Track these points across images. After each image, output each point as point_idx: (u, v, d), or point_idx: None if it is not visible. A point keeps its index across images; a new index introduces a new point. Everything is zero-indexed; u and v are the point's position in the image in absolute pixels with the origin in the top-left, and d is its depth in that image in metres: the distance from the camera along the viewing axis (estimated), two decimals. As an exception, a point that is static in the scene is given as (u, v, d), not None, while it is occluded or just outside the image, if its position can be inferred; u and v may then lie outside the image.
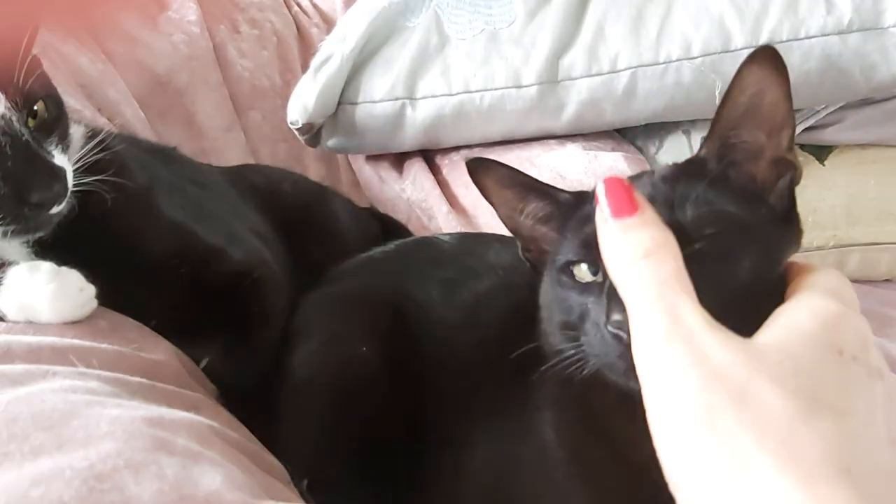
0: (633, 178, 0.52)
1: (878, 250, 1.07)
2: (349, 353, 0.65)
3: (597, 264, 0.47)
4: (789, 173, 0.48)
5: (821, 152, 1.09)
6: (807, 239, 1.09)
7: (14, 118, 0.57)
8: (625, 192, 0.41)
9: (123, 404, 0.49)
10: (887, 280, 1.11)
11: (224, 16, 1.26)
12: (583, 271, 0.48)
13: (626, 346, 0.41)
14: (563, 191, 0.54)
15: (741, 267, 0.43)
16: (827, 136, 1.08)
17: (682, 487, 0.34)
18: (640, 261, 0.38)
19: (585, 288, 0.47)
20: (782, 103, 0.46)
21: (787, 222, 0.48)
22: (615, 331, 0.42)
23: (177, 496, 0.41)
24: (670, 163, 0.53)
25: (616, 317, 0.42)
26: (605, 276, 0.46)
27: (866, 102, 1.05)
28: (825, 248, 1.06)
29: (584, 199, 0.52)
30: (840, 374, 0.35)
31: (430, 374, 0.64)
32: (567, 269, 0.49)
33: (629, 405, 0.46)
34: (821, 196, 1.07)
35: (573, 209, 0.52)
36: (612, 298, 0.43)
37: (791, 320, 0.38)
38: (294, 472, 0.59)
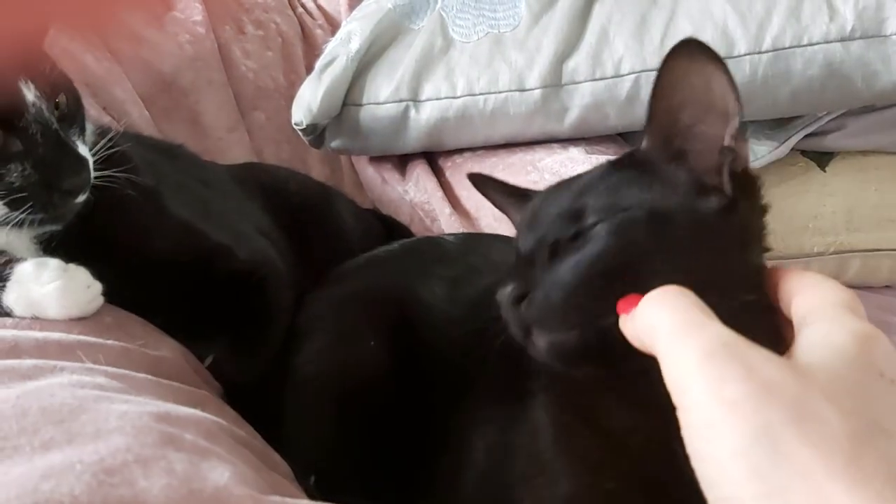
0: (578, 175, 0.53)
1: (878, 257, 1.08)
2: (355, 351, 0.66)
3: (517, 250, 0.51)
4: (729, 158, 0.48)
5: (822, 159, 1.10)
6: (807, 245, 1.10)
7: (44, 106, 0.59)
8: (637, 297, 0.42)
9: (131, 400, 0.49)
10: (887, 286, 1.12)
11: (229, 16, 1.26)
12: None
13: (511, 320, 0.47)
14: (535, 192, 0.58)
15: (666, 255, 0.44)
16: (828, 142, 1.09)
17: None
18: (655, 303, 0.39)
19: None
20: (730, 92, 0.46)
21: (734, 210, 0.47)
22: (498, 298, 0.47)
23: (186, 491, 0.41)
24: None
25: (500, 293, 0.47)
26: None
27: (868, 110, 1.06)
28: (826, 253, 1.07)
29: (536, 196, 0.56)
30: (886, 398, 0.35)
31: (434, 371, 0.64)
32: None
33: (614, 386, 0.48)
34: (822, 202, 1.08)
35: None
36: (509, 272, 0.47)
37: (830, 340, 0.37)
38: (300, 469, 0.59)
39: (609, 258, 0.44)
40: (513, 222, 0.61)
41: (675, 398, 0.36)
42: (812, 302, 0.41)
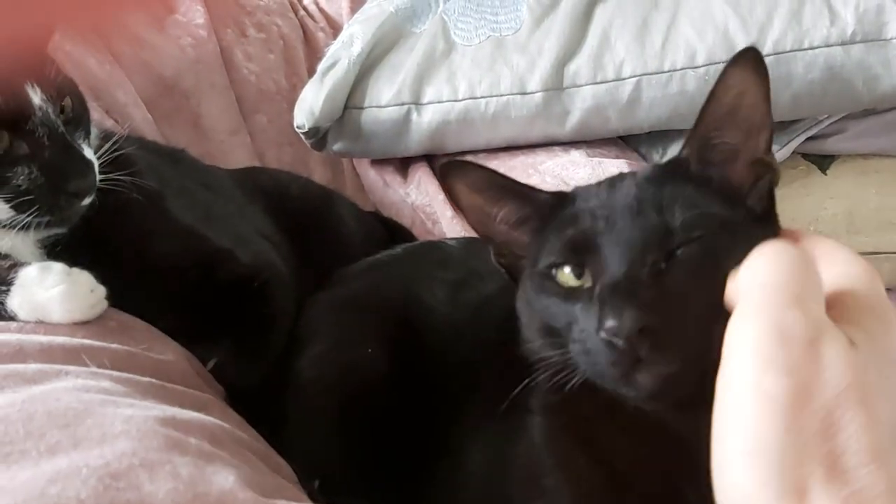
0: (617, 178, 0.52)
1: (878, 259, 1.08)
2: (357, 355, 0.66)
3: (581, 266, 0.46)
4: (768, 175, 0.48)
5: (823, 162, 1.10)
6: (808, 247, 1.10)
7: (50, 110, 0.59)
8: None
9: (136, 404, 0.50)
10: (888, 289, 1.12)
11: (231, 19, 1.26)
12: (566, 275, 0.47)
13: (619, 353, 0.41)
14: (541, 191, 0.53)
15: (727, 267, 0.43)
16: (829, 145, 1.09)
17: None
18: (768, 259, 0.36)
19: (570, 294, 0.46)
20: (761, 105, 0.46)
21: (765, 223, 0.48)
22: (610, 338, 0.41)
23: (191, 495, 0.41)
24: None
25: (610, 323, 0.41)
26: (594, 280, 0.45)
27: (868, 113, 1.06)
28: (827, 256, 1.07)
29: (565, 200, 0.51)
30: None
31: (434, 375, 0.65)
32: (549, 273, 0.48)
33: (615, 414, 0.47)
34: (822, 205, 1.08)
35: (555, 210, 0.51)
36: (606, 304, 0.42)
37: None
38: (303, 472, 0.59)
39: (713, 279, 0.42)
40: (471, 221, 0.56)
41: (723, 361, 0.35)
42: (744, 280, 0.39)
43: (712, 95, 0.47)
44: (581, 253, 0.47)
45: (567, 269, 0.47)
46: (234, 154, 1.17)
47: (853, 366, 0.33)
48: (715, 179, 0.48)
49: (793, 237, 0.43)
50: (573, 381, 0.45)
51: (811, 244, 0.41)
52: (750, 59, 0.46)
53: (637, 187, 0.48)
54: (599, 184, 0.52)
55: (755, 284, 0.35)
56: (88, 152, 0.62)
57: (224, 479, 0.44)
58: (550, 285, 0.48)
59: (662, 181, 0.48)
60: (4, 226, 0.60)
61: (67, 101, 0.62)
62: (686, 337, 0.38)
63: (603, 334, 0.41)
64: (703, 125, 0.48)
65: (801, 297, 0.34)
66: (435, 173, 1.15)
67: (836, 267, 0.38)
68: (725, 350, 0.35)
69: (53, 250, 0.63)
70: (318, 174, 1.24)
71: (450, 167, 0.54)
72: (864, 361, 0.33)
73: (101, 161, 0.63)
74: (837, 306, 0.36)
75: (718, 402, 0.34)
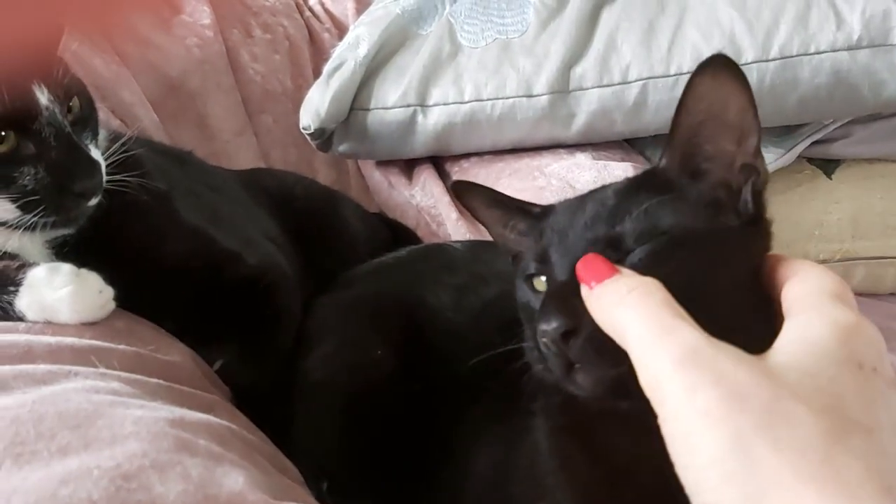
0: (592, 192, 0.52)
1: (883, 264, 1.08)
2: (364, 356, 0.66)
3: (544, 276, 0.49)
4: (753, 178, 0.48)
5: (828, 166, 1.10)
6: (813, 252, 1.11)
7: (57, 110, 0.59)
8: (601, 262, 0.42)
9: (146, 405, 0.50)
10: (892, 294, 1.12)
11: (237, 20, 1.27)
12: (542, 282, 0.50)
13: (553, 355, 0.44)
14: (535, 205, 0.56)
15: (695, 277, 0.43)
16: (834, 150, 1.09)
17: None
18: (626, 297, 0.39)
19: (538, 298, 0.49)
20: (749, 110, 0.46)
21: (754, 227, 0.48)
22: (542, 339, 0.44)
23: (201, 496, 0.41)
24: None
25: (542, 327, 0.43)
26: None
27: (874, 118, 1.06)
28: (831, 261, 1.07)
29: (548, 213, 0.53)
30: (863, 389, 0.34)
31: (439, 377, 0.65)
32: (529, 279, 0.51)
33: (612, 414, 0.47)
34: (827, 209, 1.08)
35: (539, 223, 0.53)
36: (542, 309, 0.45)
37: (808, 334, 0.37)
38: (311, 474, 0.59)
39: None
40: (492, 233, 0.59)
41: (654, 407, 0.36)
42: (797, 291, 0.40)
43: (683, 105, 0.47)
44: (543, 264, 0.49)
45: (543, 279, 0.50)
46: (240, 154, 1.17)
47: (765, 372, 0.34)
48: (697, 188, 0.48)
49: (774, 260, 0.45)
50: (536, 375, 0.48)
51: (785, 266, 0.43)
52: (723, 67, 0.45)
53: (601, 200, 0.49)
54: (577, 197, 0.54)
55: (632, 329, 0.38)
56: (95, 153, 0.62)
57: (234, 480, 0.44)
58: (528, 288, 0.51)
59: (629, 193, 0.49)
60: (11, 226, 0.60)
61: (75, 102, 0.62)
62: None
63: (539, 337, 0.44)
64: (678, 135, 0.48)
65: (670, 328, 0.36)
66: (440, 175, 1.15)
67: (804, 284, 0.41)
68: (646, 389, 0.37)
69: (61, 251, 0.63)
70: (323, 175, 1.24)
71: (461, 187, 0.58)
72: (798, 368, 0.35)
73: (110, 162, 0.63)
74: (793, 318, 0.39)
75: (665, 434, 0.36)
